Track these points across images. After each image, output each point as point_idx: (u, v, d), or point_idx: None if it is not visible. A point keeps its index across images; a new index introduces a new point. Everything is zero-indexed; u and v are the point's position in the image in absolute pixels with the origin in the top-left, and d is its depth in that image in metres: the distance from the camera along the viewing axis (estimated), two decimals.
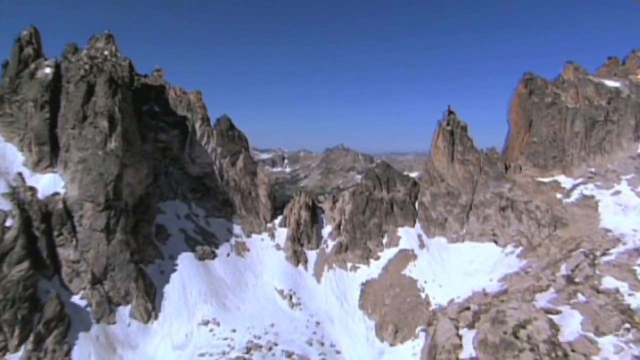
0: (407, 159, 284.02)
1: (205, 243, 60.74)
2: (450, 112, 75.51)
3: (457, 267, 63.72)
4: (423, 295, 59.45)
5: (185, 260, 55.96)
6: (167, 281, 52.28)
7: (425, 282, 61.50)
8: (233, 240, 65.27)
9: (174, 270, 54.02)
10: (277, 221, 72.95)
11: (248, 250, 65.33)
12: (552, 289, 46.47)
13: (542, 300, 44.67)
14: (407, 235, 69.65)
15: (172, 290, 51.39)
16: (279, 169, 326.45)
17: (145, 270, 50.90)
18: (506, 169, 72.36)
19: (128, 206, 51.43)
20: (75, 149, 49.02)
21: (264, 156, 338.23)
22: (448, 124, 74.15)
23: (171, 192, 63.73)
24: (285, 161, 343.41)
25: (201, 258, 58.13)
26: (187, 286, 52.76)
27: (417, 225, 72.10)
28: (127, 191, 51.97)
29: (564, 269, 49.83)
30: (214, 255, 59.91)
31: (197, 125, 69.34)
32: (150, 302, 48.13)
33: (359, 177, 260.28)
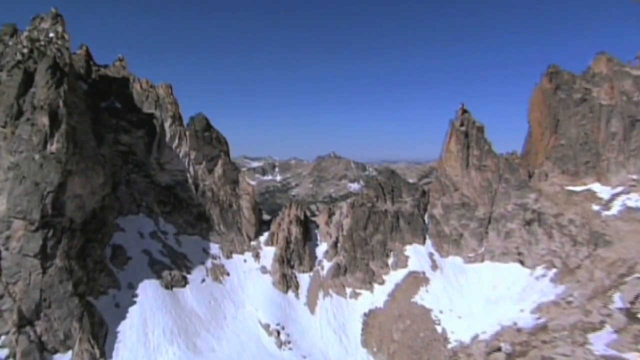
0: (400, 166, 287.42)
1: (174, 267, 53.39)
2: (464, 111, 68.90)
3: (477, 294, 57.76)
4: (439, 329, 53.22)
5: (148, 290, 48.54)
6: (123, 317, 44.72)
7: (441, 312, 55.36)
8: (209, 263, 58.33)
9: (133, 303, 46.57)
10: (262, 238, 66.56)
11: (227, 274, 58.34)
12: (608, 327, 39.80)
13: (598, 342, 37.49)
14: (417, 255, 64.12)
15: (128, 329, 43.82)
16: (270, 177, 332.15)
17: (95, 305, 43.12)
18: (529, 176, 66.49)
19: (74, 224, 43.97)
20: (5, 152, 42.15)
21: (255, 164, 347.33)
22: (462, 125, 68.02)
23: (133, 205, 56.66)
24: (276, 169, 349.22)
25: (168, 286, 50.62)
26: (148, 323, 45.29)
27: (428, 242, 66.92)
28: (73, 205, 44.54)
29: (618, 300, 42.86)
30: (184, 282, 52.50)
31: (166, 125, 62.22)
32: (99, 347, 40.13)
33: (351, 185, 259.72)
